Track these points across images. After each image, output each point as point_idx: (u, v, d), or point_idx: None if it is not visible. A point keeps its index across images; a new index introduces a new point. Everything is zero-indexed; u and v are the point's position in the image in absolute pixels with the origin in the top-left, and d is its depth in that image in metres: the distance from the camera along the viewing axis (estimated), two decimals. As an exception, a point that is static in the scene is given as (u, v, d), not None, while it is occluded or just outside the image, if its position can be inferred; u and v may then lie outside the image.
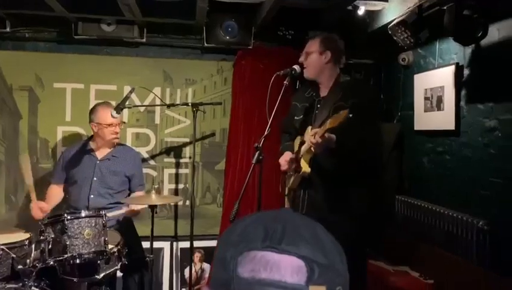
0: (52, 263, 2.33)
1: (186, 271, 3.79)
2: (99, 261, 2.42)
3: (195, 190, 3.54)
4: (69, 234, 2.34)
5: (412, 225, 3.38)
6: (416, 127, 3.48)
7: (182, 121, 3.99)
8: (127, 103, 3.06)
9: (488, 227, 2.65)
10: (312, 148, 2.47)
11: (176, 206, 3.97)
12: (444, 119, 3.13)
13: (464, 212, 2.86)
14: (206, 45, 3.73)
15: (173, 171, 4.00)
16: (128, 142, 3.78)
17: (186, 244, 3.71)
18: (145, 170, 3.57)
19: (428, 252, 3.16)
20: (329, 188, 2.60)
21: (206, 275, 3.92)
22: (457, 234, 2.86)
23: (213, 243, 3.90)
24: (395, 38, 3.06)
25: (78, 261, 2.35)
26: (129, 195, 3.27)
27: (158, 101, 3.66)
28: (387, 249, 3.51)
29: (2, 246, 2.40)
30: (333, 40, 2.72)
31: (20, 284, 2.30)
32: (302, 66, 2.70)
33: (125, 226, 3.15)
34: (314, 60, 2.67)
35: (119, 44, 3.79)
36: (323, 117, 2.52)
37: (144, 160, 3.81)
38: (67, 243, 2.33)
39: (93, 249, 2.38)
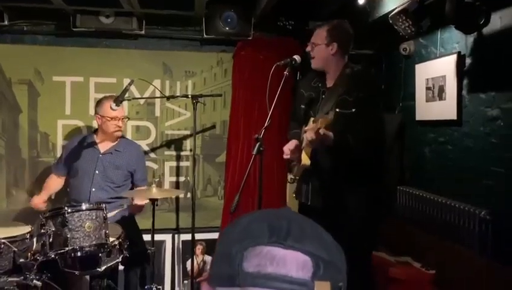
0: (53, 256, 2.33)
1: (188, 263, 3.79)
2: (100, 254, 2.42)
3: (196, 182, 3.53)
4: (70, 227, 2.34)
5: (413, 216, 3.37)
6: (418, 117, 3.46)
7: (182, 113, 3.98)
8: (126, 95, 3.04)
9: (491, 217, 2.64)
10: (309, 144, 2.48)
11: (177, 199, 3.97)
12: (445, 109, 3.11)
13: (466, 202, 2.85)
14: (205, 36, 3.70)
15: (174, 164, 3.99)
16: (129, 135, 3.77)
17: (187, 236, 3.71)
18: (146, 163, 3.56)
19: (430, 242, 3.15)
20: (329, 182, 2.61)
21: (208, 267, 3.92)
22: (460, 224, 2.85)
23: (214, 236, 3.90)
24: (396, 27, 3.03)
25: (79, 254, 2.35)
26: (132, 189, 3.27)
27: (158, 94, 3.64)
28: (389, 240, 3.51)
29: (3, 240, 2.40)
30: (341, 30, 2.67)
31: (22, 277, 2.30)
32: (309, 55, 2.68)
33: (126, 219, 3.15)
34: (321, 52, 2.64)
35: (118, 36, 3.76)
36: (327, 109, 2.52)
37: (145, 153, 3.79)
38: (68, 236, 2.33)
39: (94, 242, 2.38)
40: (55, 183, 3.31)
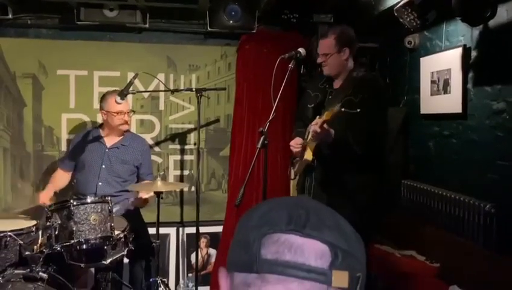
0: (59, 248, 2.35)
1: (193, 256, 3.81)
2: (105, 247, 2.44)
3: (200, 176, 3.54)
4: (75, 220, 2.36)
5: (418, 209, 3.37)
6: (423, 110, 3.44)
7: (186, 107, 3.98)
8: (130, 88, 3.04)
9: (495, 210, 2.63)
10: (312, 138, 2.49)
11: (181, 192, 3.97)
12: (450, 103, 3.10)
13: (470, 196, 2.84)
14: (209, 29, 3.69)
15: (178, 157, 3.99)
16: (133, 129, 3.77)
17: (192, 230, 3.72)
18: (151, 156, 3.56)
19: (434, 236, 3.15)
20: (331, 176, 2.63)
21: (212, 260, 3.94)
22: (464, 218, 2.85)
23: (219, 229, 3.91)
24: (401, 20, 3.02)
25: (84, 246, 2.36)
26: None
27: (162, 87, 3.64)
28: (393, 233, 3.51)
29: (9, 233, 2.42)
30: (347, 34, 2.70)
31: (28, 270, 2.32)
32: (320, 65, 2.71)
33: (131, 212, 3.16)
34: (334, 60, 2.67)
35: (122, 30, 3.75)
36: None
37: (149, 146, 3.80)
38: (74, 229, 2.35)
39: (99, 235, 2.40)
40: (61, 178, 3.32)
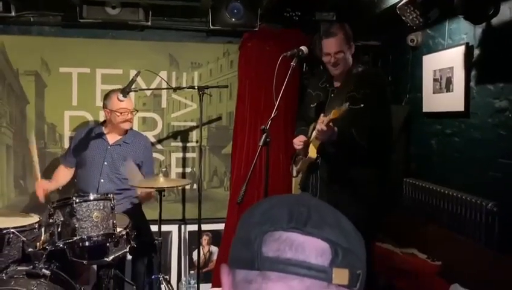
0: (61, 245, 2.36)
1: (195, 254, 3.82)
2: (108, 244, 2.45)
3: (202, 173, 3.54)
4: (78, 217, 2.36)
5: (419, 207, 3.36)
6: (425, 109, 3.44)
7: (189, 105, 3.98)
8: (133, 86, 3.05)
9: (497, 209, 2.63)
10: (317, 136, 2.50)
11: (183, 190, 3.98)
12: (453, 101, 3.09)
13: (472, 194, 2.84)
14: (211, 27, 3.68)
15: (180, 155, 4.00)
16: (135, 127, 3.77)
17: (194, 227, 3.74)
18: (152, 154, 3.57)
19: (436, 234, 3.15)
20: (336, 174, 2.63)
21: (214, 257, 3.95)
22: (466, 216, 2.84)
23: (220, 227, 3.92)
24: (403, 18, 3.01)
25: (87, 243, 2.37)
26: None
27: (164, 85, 3.64)
28: (394, 231, 3.51)
29: (12, 230, 2.43)
30: (349, 30, 2.73)
31: (31, 266, 2.33)
32: (332, 65, 2.71)
33: (134, 209, 3.17)
34: (343, 58, 2.68)
35: (124, 28, 3.75)
36: (336, 106, 2.53)
37: (151, 144, 3.81)
38: (76, 226, 2.35)
39: (102, 232, 2.40)
40: (64, 174, 3.33)
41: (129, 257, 3.00)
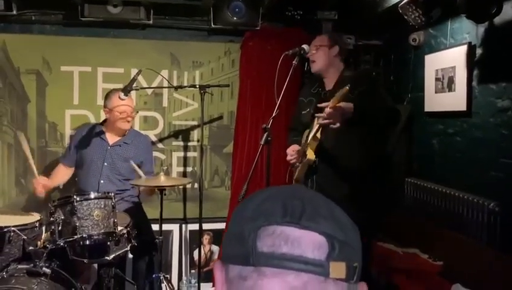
0: (62, 244, 2.35)
1: (195, 253, 3.81)
2: (108, 243, 2.44)
3: (203, 172, 3.54)
4: (79, 215, 2.36)
5: (421, 207, 3.36)
6: (427, 108, 3.43)
7: (190, 104, 3.98)
8: (134, 85, 3.04)
9: (499, 208, 2.62)
10: (318, 135, 2.48)
11: (184, 189, 3.98)
12: (455, 100, 3.08)
13: (474, 194, 2.83)
14: (213, 26, 3.67)
15: (181, 154, 4.00)
16: (136, 126, 3.78)
17: (195, 226, 3.73)
18: (153, 153, 3.57)
19: (437, 234, 3.14)
20: (336, 175, 2.62)
21: (215, 256, 3.95)
22: (468, 216, 2.84)
23: (222, 226, 3.91)
24: (405, 17, 3.01)
25: (87, 242, 2.37)
26: None
27: (166, 84, 3.64)
28: (396, 231, 3.50)
29: (13, 228, 2.43)
30: (340, 36, 2.87)
31: (32, 265, 2.32)
32: (309, 61, 2.78)
33: (134, 208, 3.16)
34: (324, 54, 2.73)
35: (125, 26, 3.75)
36: None
37: (152, 143, 3.80)
38: (77, 224, 2.35)
39: (102, 231, 2.40)
40: (63, 173, 3.32)
41: (130, 255, 3.00)
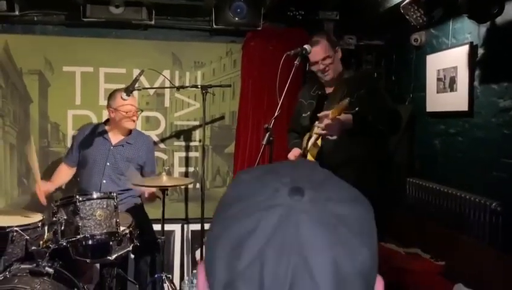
0: (64, 244, 2.35)
1: (197, 253, 3.82)
2: (111, 243, 2.44)
3: (205, 173, 3.54)
4: (81, 215, 2.36)
5: (423, 207, 3.36)
6: (429, 108, 3.43)
7: (192, 104, 3.98)
8: (136, 85, 3.04)
9: (501, 208, 2.62)
10: (318, 142, 2.48)
11: (186, 189, 3.98)
12: (457, 100, 3.08)
13: (476, 194, 2.83)
14: (214, 26, 3.68)
15: (183, 154, 4.00)
16: (138, 126, 3.77)
17: (197, 226, 3.73)
18: (155, 154, 3.58)
19: (439, 234, 3.14)
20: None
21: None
22: (470, 216, 2.83)
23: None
24: (407, 17, 3.01)
25: (90, 242, 2.37)
26: None
27: (167, 84, 3.65)
28: (398, 231, 3.50)
29: (16, 228, 2.44)
30: (332, 36, 2.82)
31: (34, 264, 2.33)
32: (321, 72, 2.71)
33: (136, 209, 3.17)
34: (332, 61, 2.69)
35: (127, 27, 3.76)
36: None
37: (154, 143, 3.81)
38: (80, 224, 2.35)
39: (105, 230, 2.40)
40: (65, 173, 3.32)
41: (132, 255, 3.01)
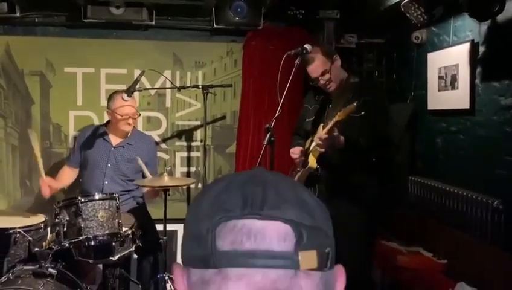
0: (67, 245, 2.36)
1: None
2: (113, 243, 2.45)
3: (206, 172, 3.54)
4: (84, 216, 2.37)
5: (425, 206, 3.36)
6: (430, 106, 3.43)
7: (193, 104, 3.99)
8: (137, 86, 3.05)
9: (503, 207, 2.62)
10: (318, 148, 2.49)
11: (188, 189, 3.99)
12: (458, 98, 3.08)
13: (478, 192, 2.83)
14: (215, 26, 3.69)
15: (185, 154, 4.01)
16: (140, 126, 3.79)
17: (199, 226, 3.73)
18: (157, 154, 3.58)
19: (441, 232, 3.14)
20: (336, 184, 2.62)
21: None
22: (472, 214, 2.83)
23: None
24: (408, 15, 3.00)
25: (92, 243, 2.38)
26: None
27: (168, 84, 3.65)
28: (400, 229, 3.50)
29: (18, 229, 2.45)
30: (326, 46, 2.81)
31: (37, 266, 2.33)
32: (323, 86, 2.70)
33: (138, 209, 3.17)
34: (335, 71, 2.68)
35: (128, 27, 3.77)
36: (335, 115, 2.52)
37: (156, 143, 3.81)
38: (82, 225, 2.36)
39: (107, 231, 2.41)
40: (68, 175, 3.32)
41: (135, 256, 3.01)
